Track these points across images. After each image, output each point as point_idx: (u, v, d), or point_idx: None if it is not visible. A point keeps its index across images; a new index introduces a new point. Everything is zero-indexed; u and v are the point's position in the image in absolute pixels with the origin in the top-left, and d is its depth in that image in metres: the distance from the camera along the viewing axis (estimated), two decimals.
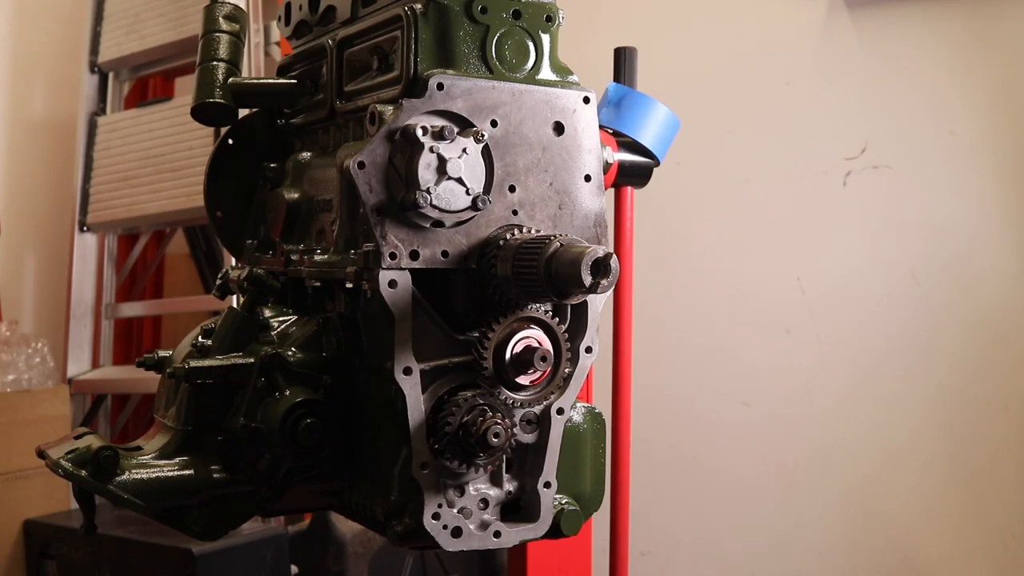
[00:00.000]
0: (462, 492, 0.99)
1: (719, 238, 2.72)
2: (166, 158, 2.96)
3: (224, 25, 1.19)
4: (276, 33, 2.87)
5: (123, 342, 3.34)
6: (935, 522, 2.41)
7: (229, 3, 1.22)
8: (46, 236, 3.43)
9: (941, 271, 2.39)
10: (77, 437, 0.99)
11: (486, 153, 0.97)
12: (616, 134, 1.43)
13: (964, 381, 2.36)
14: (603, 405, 1.20)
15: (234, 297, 1.20)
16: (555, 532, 1.03)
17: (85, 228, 3.17)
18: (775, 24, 2.64)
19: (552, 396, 1.00)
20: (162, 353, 1.10)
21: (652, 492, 2.69)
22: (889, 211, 2.47)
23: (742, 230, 2.68)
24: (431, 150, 0.93)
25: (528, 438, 1.01)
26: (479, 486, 1.00)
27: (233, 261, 1.26)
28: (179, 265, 3.53)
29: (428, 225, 0.95)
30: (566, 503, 1.04)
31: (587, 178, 1.02)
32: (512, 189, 0.98)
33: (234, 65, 1.18)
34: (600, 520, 1.30)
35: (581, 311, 1.02)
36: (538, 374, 0.97)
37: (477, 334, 0.96)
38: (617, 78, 1.53)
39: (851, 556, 2.49)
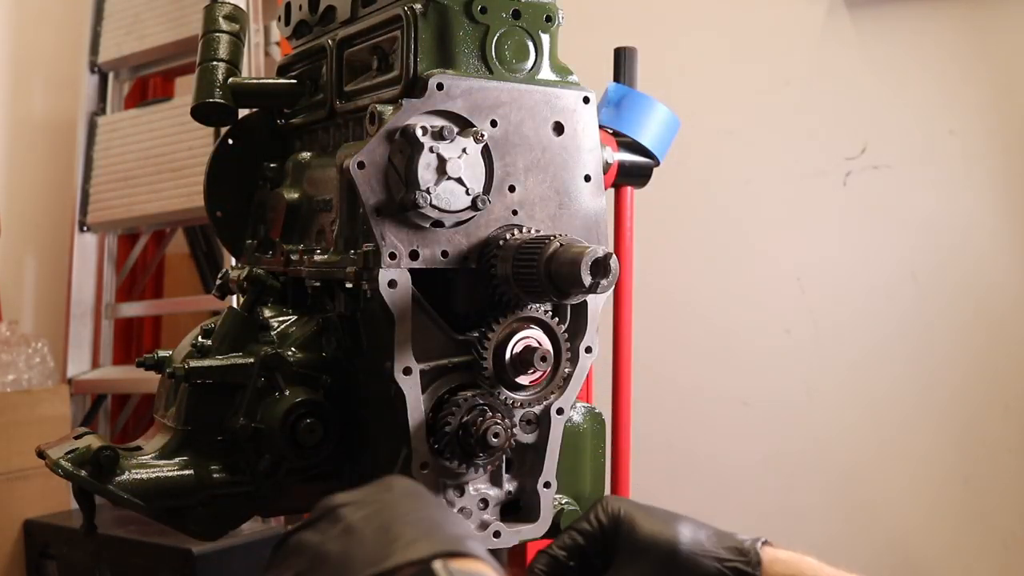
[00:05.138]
0: (462, 492, 0.99)
1: (719, 238, 2.72)
2: (166, 158, 2.96)
3: (224, 25, 1.19)
4: (276, 33, 2.87)
5: (123, 342, 3.34)
6: (934, 521, 2.41)
7: (229, 3, 1.21)
8: (46, 236, 3.43)
9: (941, 271, 2.39)
10: (77, 437, 0.99)
11: (486, 153, 0.97)
12: (616, 134, 1.43)
13: (964, 380, 2.36)
14: (603, 405, 1.20)
15: (234, 297, 1.20)
16: (555, 532, 1.02)
17: (85, 228, 3.17)
18: (775, 24, 2.63)
19: (552, 396, 1.00)
20: (162, 353, 1.10)
21: (652, 491, 2.69)
22: (889, 211, 2.46)
23: (742, 230, 2.68)
24: (431, 150, 0.93)
25: (528, 438, 1.01)
26: (479, 486, 1.00)
27: (233, 261, 1.26)
28: (179, 265, 3.53)
29: (428, 225, 0.95)
30: (566, 503, 1.04)
31: (587, 178, 1.02)
32: (512, 189, 0.98)
33: (234, 65, 1.18)
34: None
35: (581, 311, 1.02)
36: (538, 374, 0.97)
37: (477, 334, 0.95)
38: (617, 78, 1.53)
39: (851, 556, 2.48)
